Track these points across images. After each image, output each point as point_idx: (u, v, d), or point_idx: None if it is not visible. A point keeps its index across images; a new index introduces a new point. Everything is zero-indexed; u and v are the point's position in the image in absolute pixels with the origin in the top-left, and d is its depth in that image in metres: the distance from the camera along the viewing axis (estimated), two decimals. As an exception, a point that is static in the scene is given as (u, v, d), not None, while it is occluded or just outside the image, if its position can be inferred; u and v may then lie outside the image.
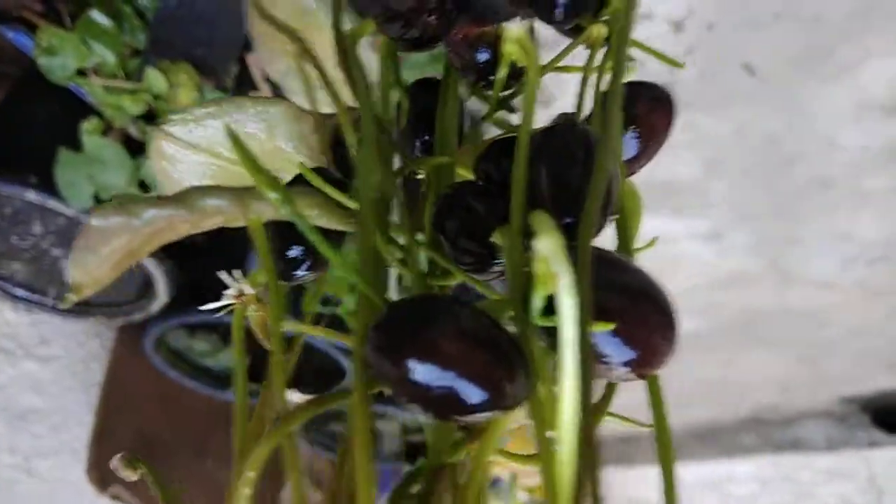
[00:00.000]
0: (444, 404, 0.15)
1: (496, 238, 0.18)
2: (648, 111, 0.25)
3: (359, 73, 0.20)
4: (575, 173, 0.18)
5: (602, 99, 0.22)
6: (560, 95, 1.07)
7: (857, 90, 1.04)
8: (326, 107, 0.25)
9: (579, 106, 0.23)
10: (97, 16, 0.82)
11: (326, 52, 0.24)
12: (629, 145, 0.24)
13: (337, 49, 0.20)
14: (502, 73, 0.20)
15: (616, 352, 0.16)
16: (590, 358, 0.14)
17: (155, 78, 0.77)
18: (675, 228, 1.25)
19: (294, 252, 0.23)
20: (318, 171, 0.22)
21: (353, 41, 0.20)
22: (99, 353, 1.11)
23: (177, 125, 0.23)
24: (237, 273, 0.21)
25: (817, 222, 1.27)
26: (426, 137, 0.25)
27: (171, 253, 0.95)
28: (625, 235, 0.20)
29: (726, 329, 1.57)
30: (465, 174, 0.24)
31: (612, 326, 0.16)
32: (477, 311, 0.16)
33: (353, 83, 0.19)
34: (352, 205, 0.20)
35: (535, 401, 0.16)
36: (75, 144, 0.82)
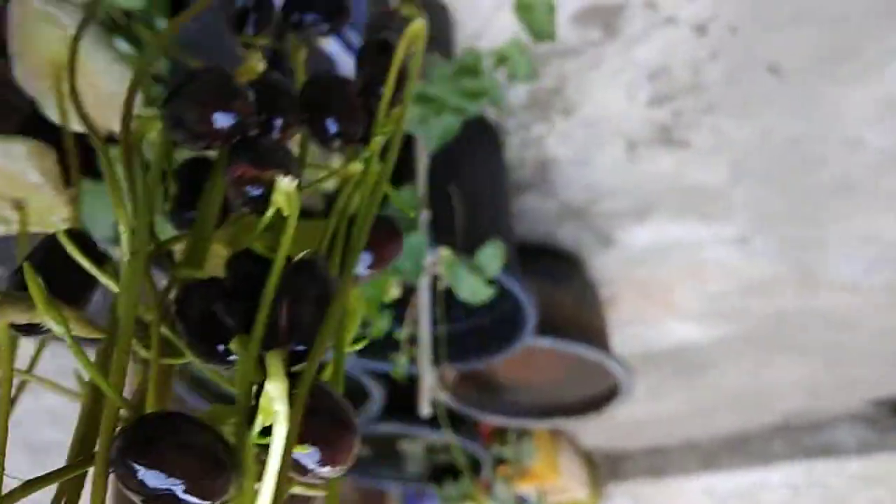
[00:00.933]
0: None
1: (233, 346, 0.22)
2: (383, 240, 0.29)
3: (139, 172, 0.21)
4: (310, 311, 0.22)
5: (347, 225, 0.27)
6: (584, 102, 1.07)
7: (882, 89, 1.02)
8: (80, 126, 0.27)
9: (327, 226, 0.26)
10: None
11: (89, 78, 0.27)
12: (362, 262, 0.29)
13: (121, 142, 0.21)
14: (268, 215, 0.23)
15: (311, 461, 0.21)
16: (289, 471, 0.19)
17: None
18: (702, 234, 1.23)
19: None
20: (74, 235, 0.23)
21: (137, 139, 0.22)
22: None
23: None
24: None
25: (842, 225, 1.24)
26: (189, 214, 0.27)
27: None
28: (339, 355, 0.22)
29: (753, 334, 1.55)
30: (220, 253, 0.26)
31: (310, 449, 0.21)
32: (203, 426, 0.20)
33: (131, 183, 0.21)
34: (109, 282, 0.23)
35: (241, 500, 0.19)
36: (95, 173, 0.86)
